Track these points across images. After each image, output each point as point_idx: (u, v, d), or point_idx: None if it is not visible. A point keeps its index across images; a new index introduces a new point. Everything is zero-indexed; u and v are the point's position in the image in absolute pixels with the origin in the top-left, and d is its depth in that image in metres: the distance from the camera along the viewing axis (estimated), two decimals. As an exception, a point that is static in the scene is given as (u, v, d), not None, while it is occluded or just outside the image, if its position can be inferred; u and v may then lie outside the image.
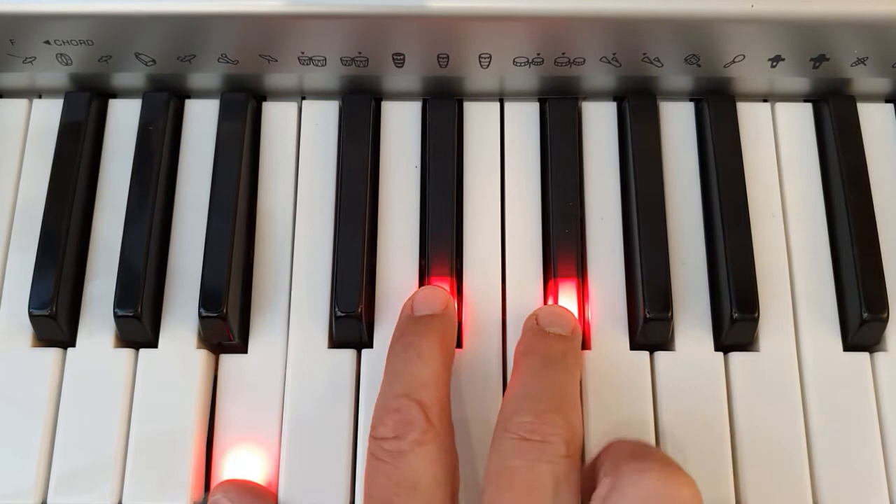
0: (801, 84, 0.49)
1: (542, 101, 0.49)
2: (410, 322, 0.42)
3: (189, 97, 0.50)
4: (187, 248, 0.46)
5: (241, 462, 0.43)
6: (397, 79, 0.48)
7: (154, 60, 0.47)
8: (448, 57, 0.47)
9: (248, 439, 0.43)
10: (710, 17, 0.44)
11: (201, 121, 0.49)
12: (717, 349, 0.45)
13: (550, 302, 0.45)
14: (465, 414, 0.43)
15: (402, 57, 0.47)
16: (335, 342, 0.45)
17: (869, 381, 0.44)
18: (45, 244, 0.45)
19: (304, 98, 0.50)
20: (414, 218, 0.47)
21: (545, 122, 0.49)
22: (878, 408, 0.44)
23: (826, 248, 0.47)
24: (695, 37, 0.45)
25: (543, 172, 0.48)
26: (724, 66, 0.47)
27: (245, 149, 0.47)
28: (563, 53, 0.46)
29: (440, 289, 0.44)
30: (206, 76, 0.48)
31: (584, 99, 0.50)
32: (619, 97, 0.50)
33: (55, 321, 0.44)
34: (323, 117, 0.49)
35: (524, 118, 0.49)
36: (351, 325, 0.44)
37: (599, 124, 0.49)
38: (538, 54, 0.46)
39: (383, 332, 0.45)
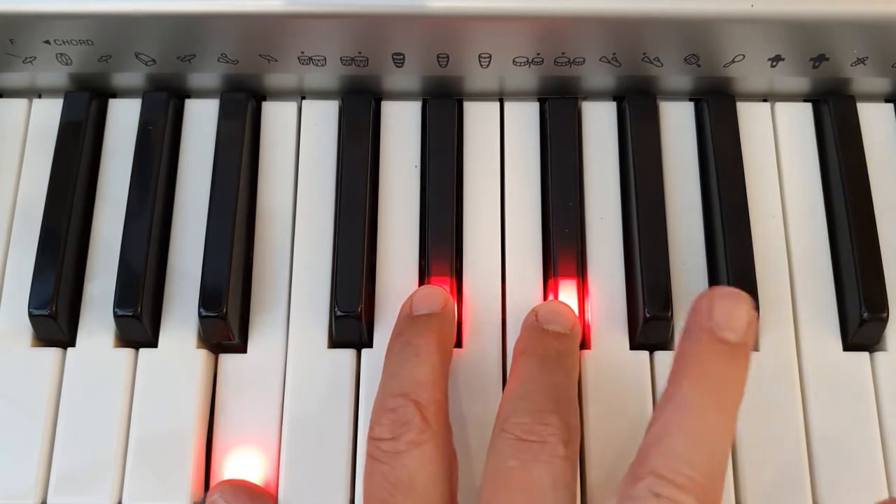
0: (800, 84, 0.49)
1: (542, 101, 0.49)
2: (409, 321, 0.42)
3: (189, 97, 0.50)
4: (187, 247, 0.46)
5: (241, 462, 0.43)
6: (397, 79, 0.48)
7: (154, 60, 0.47)
8: (448, 57, 0.47)
9: (248, 439, 0.43)
10: (710, 17, 0.44)
11: (201, 120, 0.49)
12: (717, 349, 0.45)
13: (551, 298, 0.45)
14: (464, 413, 0.43)
15: (401, 57, 0.47)
16: (335, 342, 0.45)
17: (869, 380, 0.44)
18: (45, 244, 0.45)
19: (304, 98, 0.50)
20: (414, 218, 0.47)
21: (545, 122, 0.49)
22: (878, 408, 0.44)
23: (826, 248, 0.47)
24: (694, 37, 0.45)
25: (543, 172, 0.48)
26: (724, 66, 0.47)
27: (245, 148, 0.47)
28: (563, 53, 0.46)
29: (439, 288, 0.44)
30: (206, 76, 0.48)
31: (584, 99, 0.50)
32: (618, 97, 0.50)
33: (55, 321, 0.44)
34: (323, 117, 0.49)
35: (524, 118, 0.49)
36: (351, 324, 0.44)
37: (599, 124, 0.49)
38: (538, 54, 0.46)
39: (383, 332, 0.45)
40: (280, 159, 0.48)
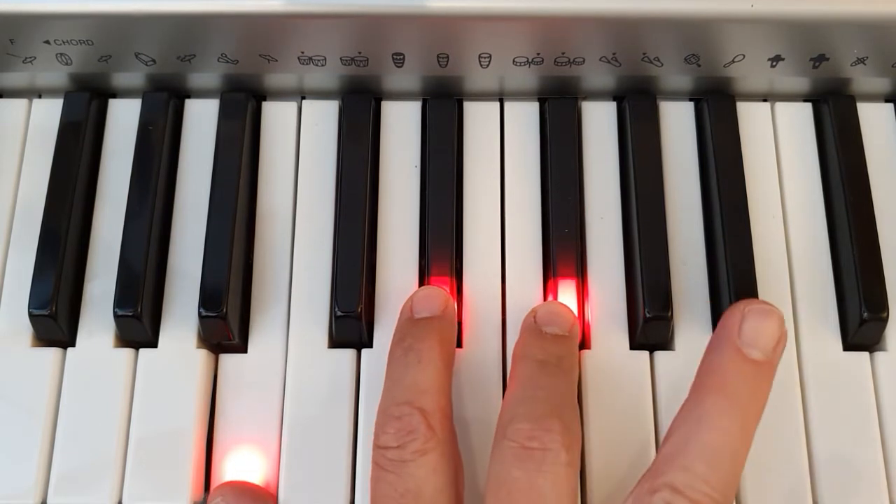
0: (800, 84, 0.49)
1: (542, 101, 0.49)
2: (410, 325, 0.42)
3: (189, 97, 0.50)
4: (187, 247, 0.46)
5: (241, 462, 0.43)
6: (397, 79, 0.48)
7: (154, 60, 0.47)
8: (448, 57, 0.47)
9: (248, 439, 0.43)
10: (710, 17, 0.44)
11: (201, 120, 0.49)
12: (717, 349, 0.45)
13: (550, 299, 0.45)
14: (465, 414, 0.43)
15: (401, 57, 0.47)
16: (335, 342, 0.45)
17: (869, 380, 0.44)
18: (45, 244, 0.45)
19: (304, 98, 0.50)
20: (414, 218, 0.47)
21: (545, 121, 0.49)
22: (878, 407, 0.44)
23: (826, 248, 0.47)
24: (694, 36, 0.45)
25: (543, 172, 0.48)
26: (724, 66, 0.47)
27: (245, 148, 0.47)
28: (563, 53, 0.46)
29: (439, 289, 0.44)
30: (206, 76, 0.48)
31: (584, 99, 0.50)
32: (618, 97, 0.50)
33: (55, 321, 0.44)
34: (323, 117, 0.49)
35: (524, 118, 0.49)
36: (351, 324, 0.44)
37: (599, 124, 0.49)
38: (538, 54, 0.46)
39: (383, 332, 0.45)
40: (280, 159, 0.48)
